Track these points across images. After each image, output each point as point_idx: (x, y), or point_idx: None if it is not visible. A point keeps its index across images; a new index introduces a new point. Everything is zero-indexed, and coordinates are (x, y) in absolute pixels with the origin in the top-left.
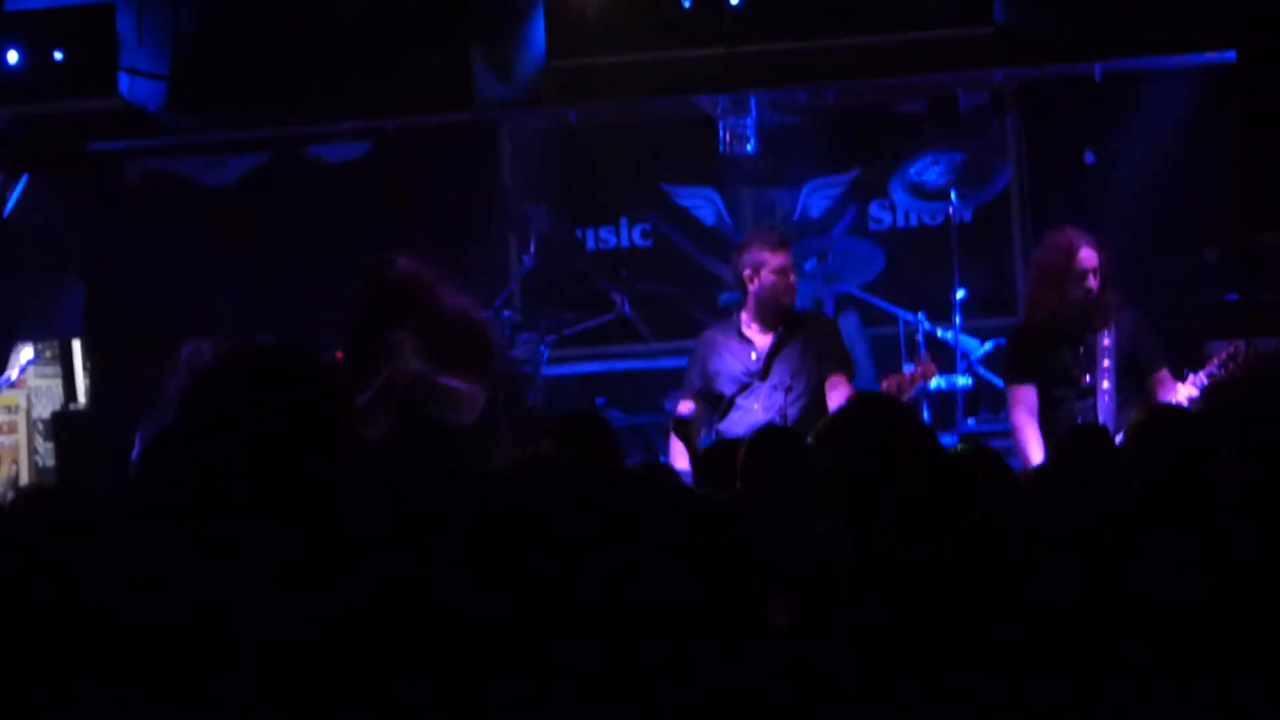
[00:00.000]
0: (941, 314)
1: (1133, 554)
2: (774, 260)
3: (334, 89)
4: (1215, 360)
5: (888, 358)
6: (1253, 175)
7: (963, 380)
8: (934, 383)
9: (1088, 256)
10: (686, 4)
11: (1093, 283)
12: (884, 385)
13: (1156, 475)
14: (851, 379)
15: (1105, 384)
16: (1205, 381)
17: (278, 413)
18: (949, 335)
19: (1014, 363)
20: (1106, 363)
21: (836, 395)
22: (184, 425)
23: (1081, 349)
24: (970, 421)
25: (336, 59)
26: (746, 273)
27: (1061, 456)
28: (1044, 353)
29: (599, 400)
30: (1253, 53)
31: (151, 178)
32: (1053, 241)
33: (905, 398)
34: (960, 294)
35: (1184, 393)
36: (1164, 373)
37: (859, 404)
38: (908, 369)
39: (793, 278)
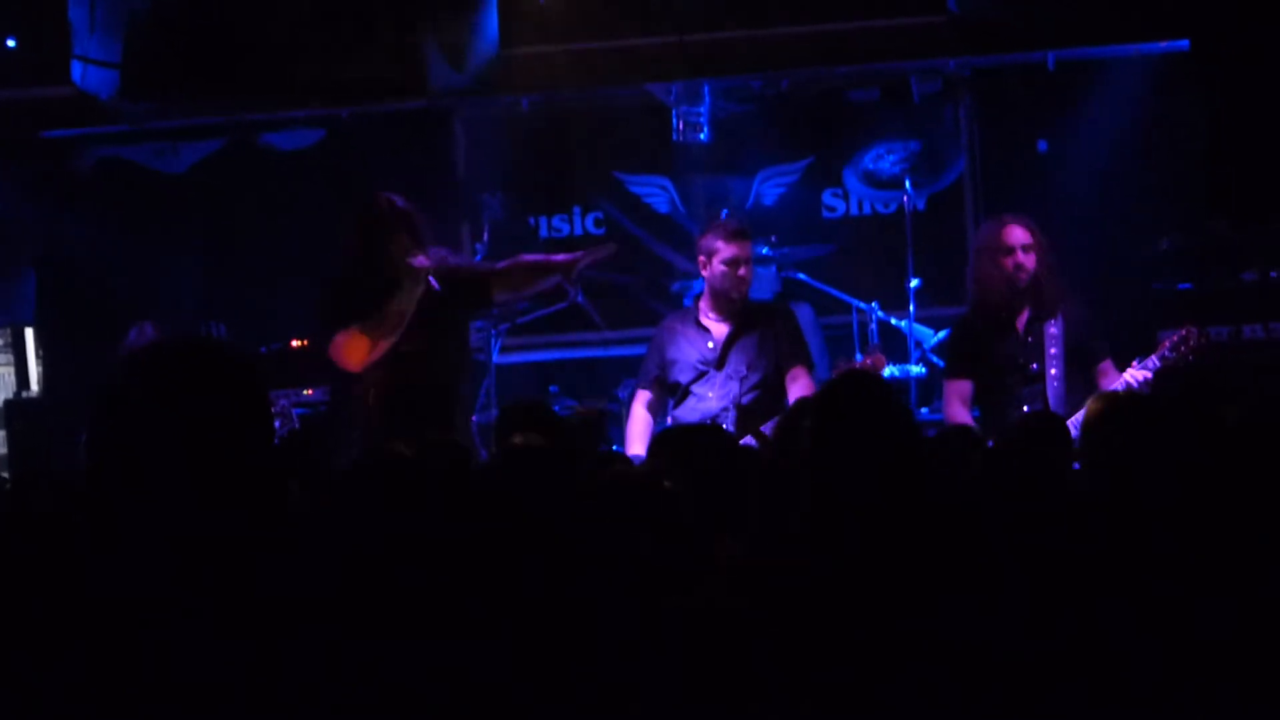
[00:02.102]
0: (895, 303)
1: (1092, 540)
2: (725, 250)
3: (287, 77)
4: (1165, 345)
5: (841, 347)
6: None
7: (916, 369)
8: (886, 372)
9: (1014, 233)
10: None
11: (1023, 258)
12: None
13: (1113, 462)
14: (811, 371)
15: (1053, 371)
16: (1156, 365)
17: (195, 409)
18: (903, 324)
19: (953, 356)
20: (1054, 350)
21: (796, 388)
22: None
23: (1030, 338)
24: (924, 411)
25: (290, 47)
26: (701, 259)
27: (1013, 441)
28: (988, 343)
29: (552, 389)
30: (1210, 41)
31: (105, 165)
32: (985, 226)
33: None
34: (914, 283)
35: (1132, 376)
36: (1107, 363)
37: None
38: (859, 360)
39: (744, 270)
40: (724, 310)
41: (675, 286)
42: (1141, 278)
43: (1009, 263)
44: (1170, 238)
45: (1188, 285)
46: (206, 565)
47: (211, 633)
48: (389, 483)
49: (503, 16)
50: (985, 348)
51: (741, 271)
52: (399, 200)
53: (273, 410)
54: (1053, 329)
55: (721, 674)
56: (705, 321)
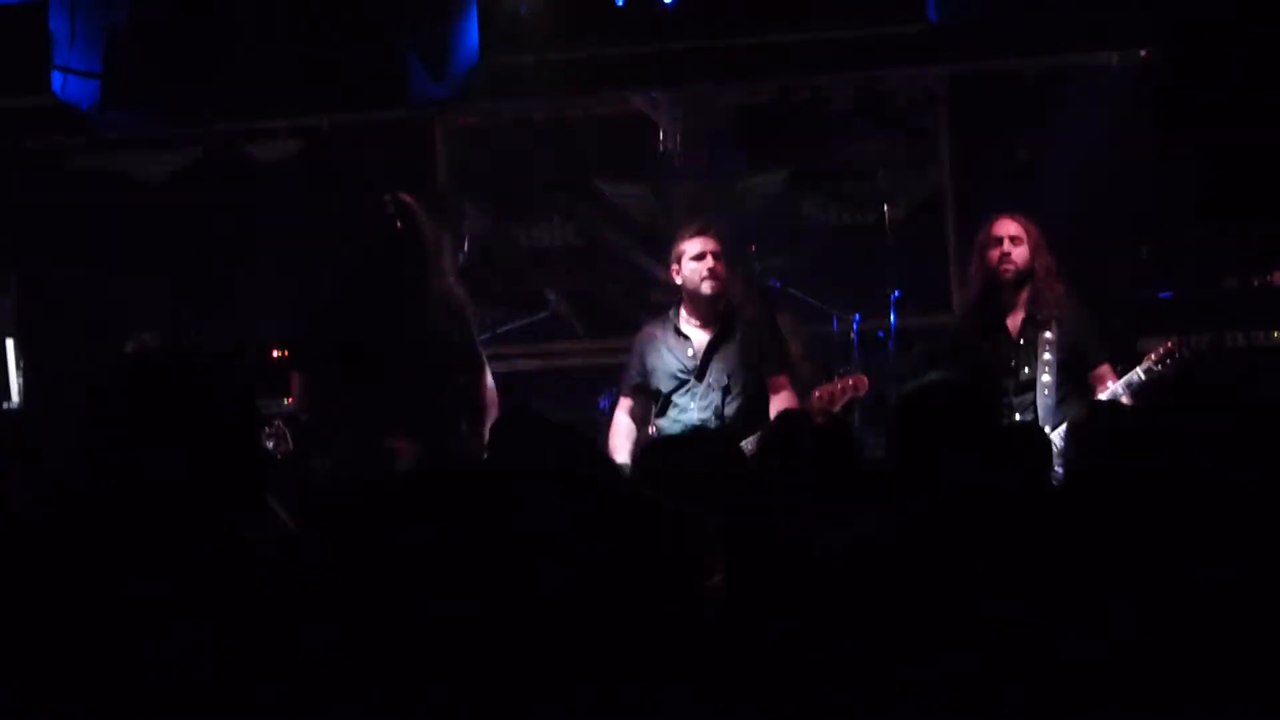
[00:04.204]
0: (876, 312)
1: (1074, 555)
2: (691, 247)
3: (267, 87)
4: (1149, 357)
5: (822, 357)
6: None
7: None
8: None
9: (1002, 225)
10: (620, 1)
11: (1009, 249)
12: (814, 397)
13: (1096, 472)
14: (793, 379)
15: (1045, 378)
16: (1139, 379)
17: (182, 416)
18: (882, 333)
19: (944, 357)
20: (1047, 356)
21: (779, 398)
22: (92, 434)
23: (1022, 340)
24: None
25: (269, 57)
26: (674, 267)
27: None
28: (978, 343)
29: (533, 399)
30: (1191, 49)
31: (84, 175)
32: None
33: (836, 409)
34: (894, 293)
35: (1115, 390)
36: (1105, 367)
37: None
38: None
39: (712, 263)
40: (703, 314)
41: (655, 295)
42: (1122, 286)
43: (994, 254)
44: (1150, 246)
45: (1168, 294)
46: (205, 565)
47: (212, 633)
48: (380, 486)
49: (483, 26)
50: (975, 348)
51: (710, 263)
52: (408, 200)
53: (268, 430)
54: (1048, 334)
55: (721, 674)
56: (685, 329)
